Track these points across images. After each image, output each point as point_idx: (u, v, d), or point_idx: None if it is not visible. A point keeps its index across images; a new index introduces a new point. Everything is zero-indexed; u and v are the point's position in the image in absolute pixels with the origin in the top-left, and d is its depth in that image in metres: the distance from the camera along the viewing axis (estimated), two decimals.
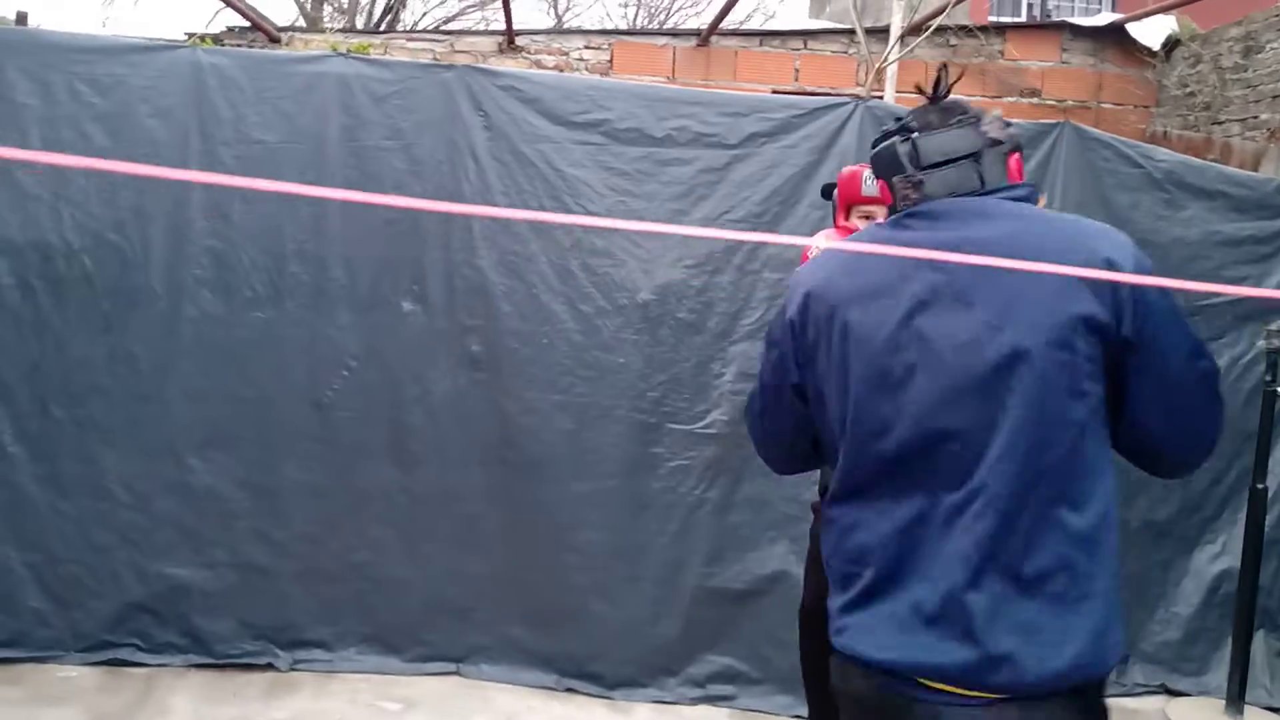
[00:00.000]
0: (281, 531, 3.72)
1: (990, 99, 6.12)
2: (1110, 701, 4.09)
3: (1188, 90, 5.62)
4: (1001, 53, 6.09)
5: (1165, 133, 5.12)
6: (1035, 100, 6.12)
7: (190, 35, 4.28)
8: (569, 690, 3.71)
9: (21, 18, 4.15)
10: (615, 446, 3.75)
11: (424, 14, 13.73)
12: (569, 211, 3.71)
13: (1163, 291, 1.59)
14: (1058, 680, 1.51)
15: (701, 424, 3.76)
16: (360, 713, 3.48)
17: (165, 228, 3.66)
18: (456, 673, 3.81)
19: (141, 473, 3.66)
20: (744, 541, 3.79)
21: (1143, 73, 6.06)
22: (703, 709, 3.73)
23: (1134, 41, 6.07)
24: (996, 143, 1.71)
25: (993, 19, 8.86)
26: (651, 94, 3.90)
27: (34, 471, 3.62)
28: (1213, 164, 4.29)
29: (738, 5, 5.25)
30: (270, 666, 3.71)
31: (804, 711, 3.68)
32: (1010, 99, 6.11)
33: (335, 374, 3.71)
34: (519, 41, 5.26)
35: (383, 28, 11.68)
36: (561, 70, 5.29)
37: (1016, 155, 1.75)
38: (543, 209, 3.72)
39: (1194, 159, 4.22)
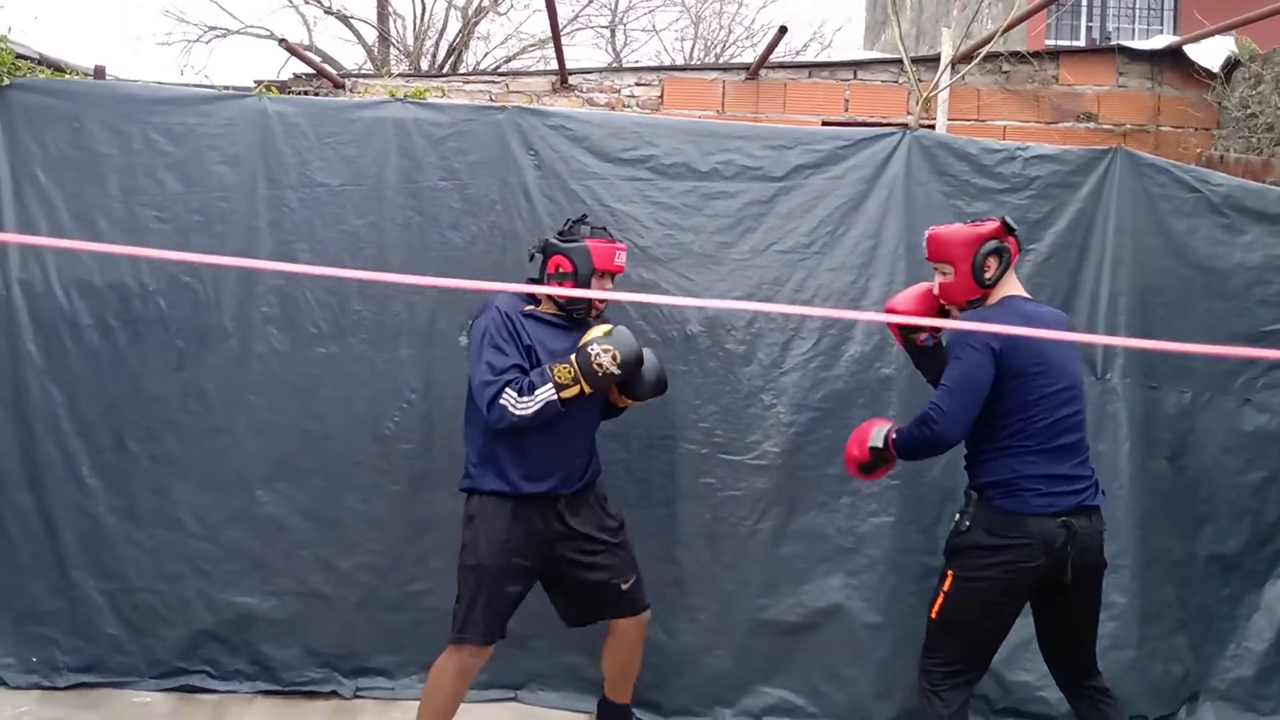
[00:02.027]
0: (345, 561, 3.84)
1: (1045, 125, 6.10)
2: None
3: (1249, 112, 5.55)
4: (1056, 78, 6.07)
5: (1222, 156, 5.06)
6: (1092, 125, 6.07)
7: (259, 83, 4.46)
8: None
9: (99, 71, 4.36)
10: (666, 476, 3.81)
11: (485, 54, 14.02)
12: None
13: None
14: None
15: (753, 455, 3.80)
16: None
17: (235, 269, 3.82)
18: (515, 699, 3.88)
19: (211, 504, 3.81)
20: (798, 574, 3.81)
21: (1202, 95, 5.99)
22: None
23: (1192, 63, 6.00)
24: None
25: (1050, 43, 8.81)
26: (697, 129, 3.98)
27: (110, 503, 3.79)
28: (1273, 187, 4.22)
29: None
30: (334, 694, 3.82)
31: None
32: (1066, 124, 6.08)
33: (395, 406, 3.83)
34: (571, 80, 5.39)
35: (445, 70, 11.96)
36: (613, 107, 5.40)
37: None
38: None
39: (1252, 182, 4.17)
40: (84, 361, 3.79)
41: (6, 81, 3.82)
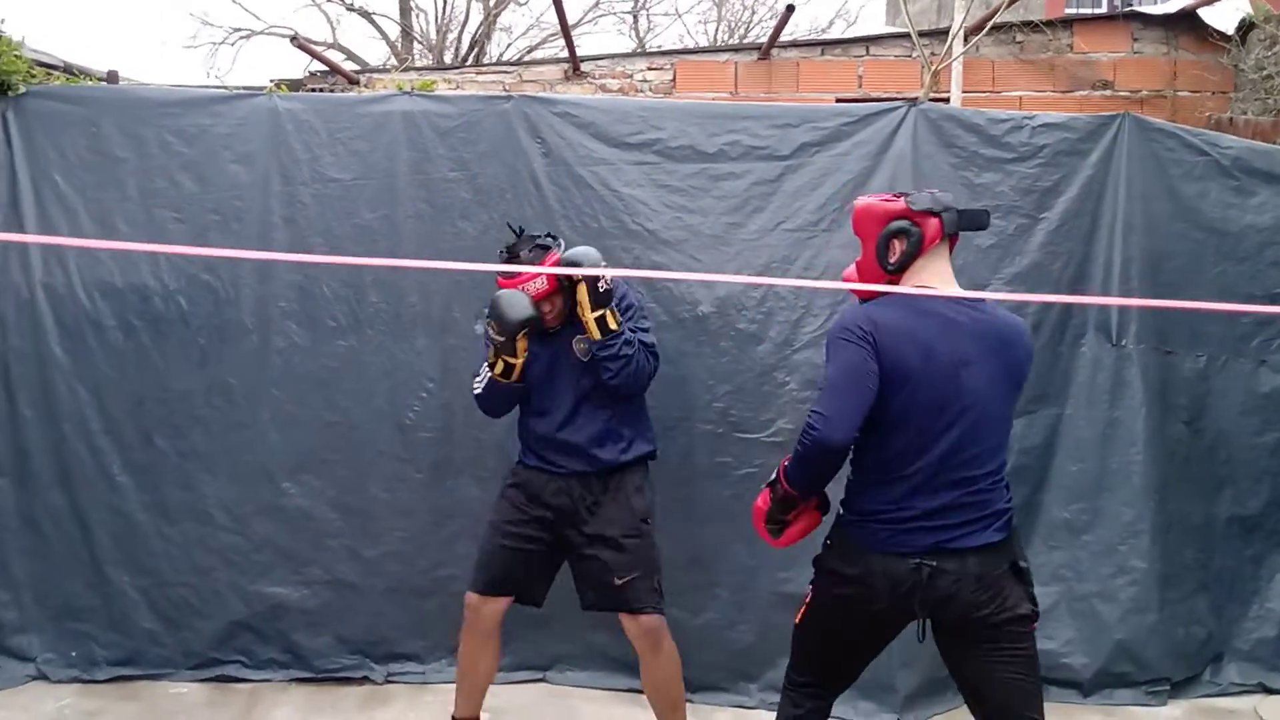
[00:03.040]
0: (372, 549, 3.91)
1: (1061, 94, 6.06)
2: (1205, 701, 4.03)
3: (1265, 74, 5.49)
4: (1070, 46, 6.03)
5: (1231, 119, 5.01)
6: (1108, 93, 6.03)
7: (274, 82, 4.53)
8: None
9: (112, 76, 4.44)
10: (683, 457, 3.85)
11: (508, 45, 14.06)
12: (628, 229, 3.83)
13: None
14: None
15: (768, 433, 3.82)
16: None
17: (252, 266, 3.89)
18: (543, 680, 3.95)
19: (240, 497, 3.89)
20: (818, 548, 3.82)
21: (1218, 58, 5.92)
22: None
23: (1207, 27, 5.94)
24: None
25: (1069, 11, 8.72)
26: (703, 111, 4.00)
27: (141, 499, 3.88)
28: None
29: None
30: (366, 679, 3.90)
31: (886, 717, 3.71)
32: (1082, 93, 6.04)
33: (415, 396, 3.89)
34: (584, 68, 5.41)
35: (469, 63, 12.01)
36: (626, 93, 5.43)
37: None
38: (601, 229, 3.84)
39: (1261, 144, 4.15)
40: (109, 361, 3.88)
41: (22, 89, 3.90)
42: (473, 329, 3.87)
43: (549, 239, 3.34)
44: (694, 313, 3.85)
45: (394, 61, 12.76)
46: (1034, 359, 3.77)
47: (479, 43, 13.57)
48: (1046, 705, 3.74)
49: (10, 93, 3.89)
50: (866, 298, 2.60)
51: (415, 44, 13.87)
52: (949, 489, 2.47)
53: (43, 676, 3.85)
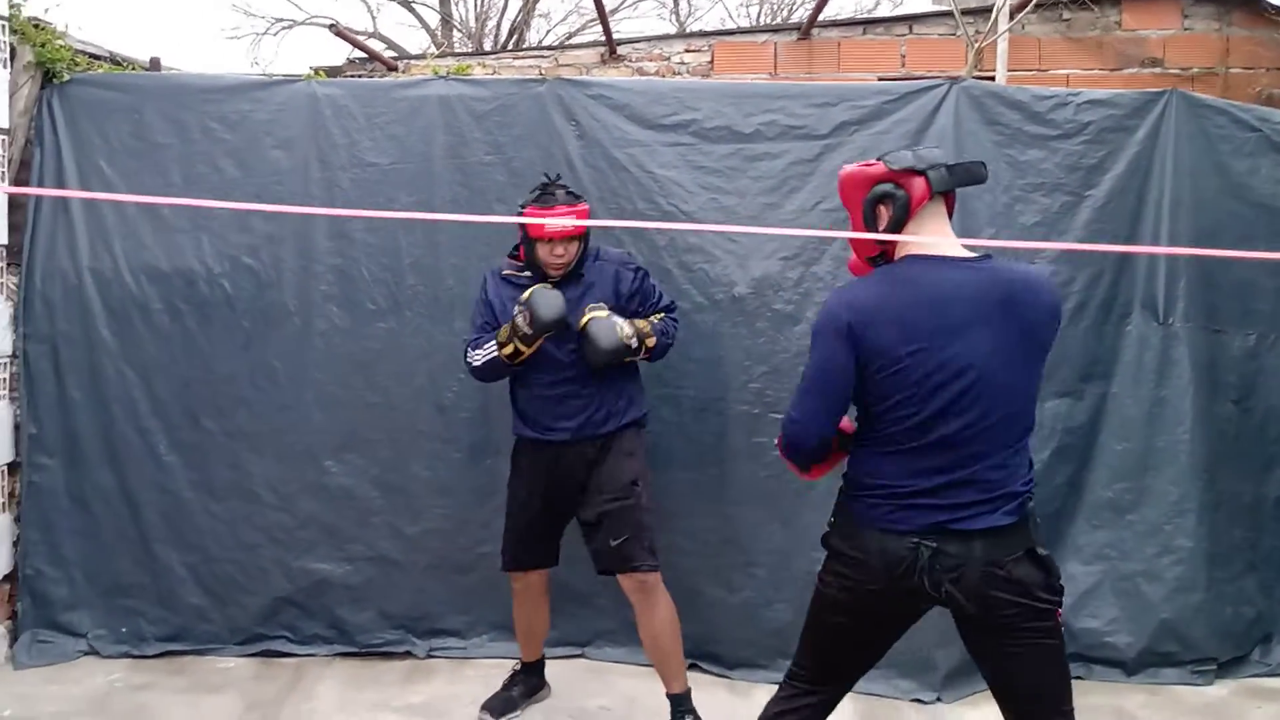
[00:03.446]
0: (413, 527, 3.96)
1: (1109, 72, 5.94)
2: (1253, 681, 3.97)
3: None
4: (1118, 23, 5.90)
5: None
6: (1157, 70, 5.90)
7: (314, 69, 4.58)
8: (691, 668, 3.81)
9: (155, 63, 4.51)
10: (718, 437, 3.85)
11: (547, 31, 14.08)
12: (663, 211, 3.82)
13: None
14: None
15: None
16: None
17: (294, 250, 3.95)
18: (582, 655, 3.98)
19: (284, 476, 3.96)
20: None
21: (1273, 34, 5.78)
22: None
23: (1261, 1, 5.79)
24: None
25: None
26: (738, 91, 3.98)
27: (188, 478, 3.95)
28: None
29: None
30: (408, 654, 3.96)
31: (925, 695, 3.70)
32: (1130, 70, 5.92)
33: (453, 377, 3.92)
34: (620, 51, 5.41)
35: (509, 48, 12.05)
36: (664, 75, 5.41)
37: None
38: (636, 211, 3.84)
39: None
40: (156, 344, 3.96)
41: (66, 77, 3.97)
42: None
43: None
44: (729, 294, 3.84)
45: (433, 50, 12.85)
46: (1077, 332, 3.82)
47: (518, 29, 13.61)
48: (1091, 685, 3.79)
49: (55, 80, 3.97)
50: (863, 272, 2.48)
51: (455, 32, 13.94)
52: (953, 467, 2.27)
53: (93, 652, 3.94)
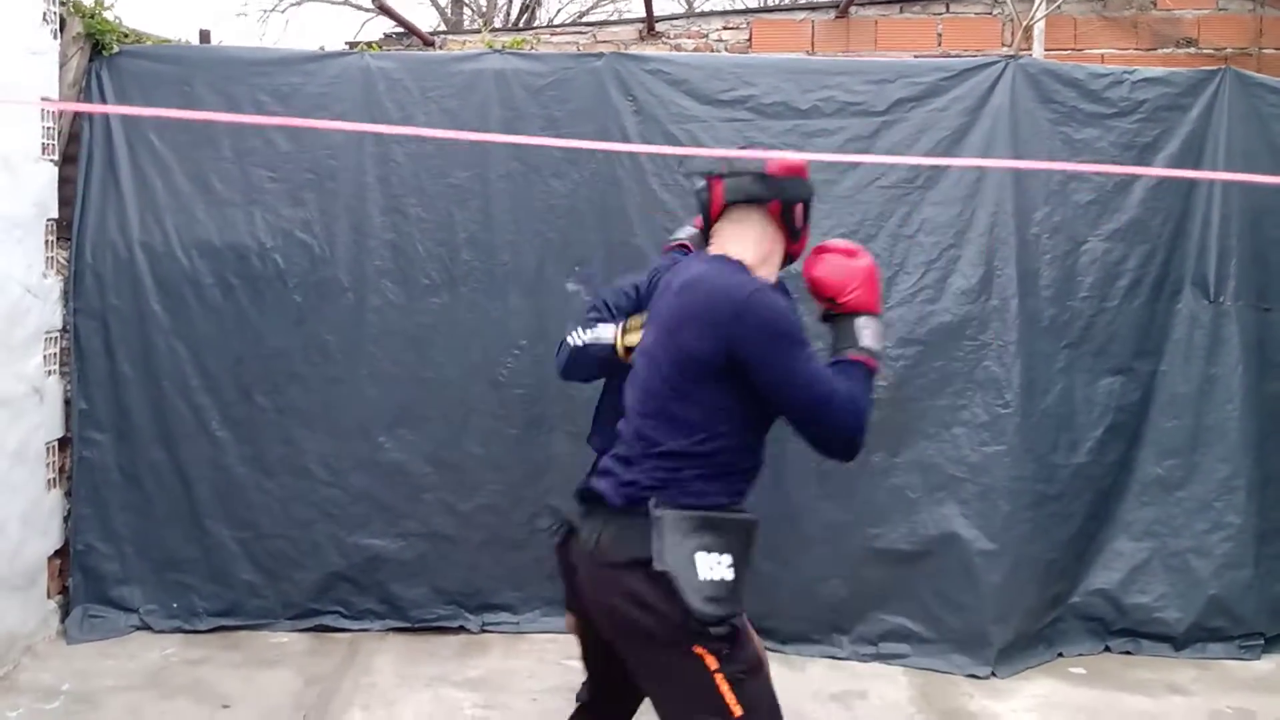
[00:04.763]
0: (466, 503, 3.96)
1: (1144, 52, 5.94)
2: None
3: None
4: (1154, 3, 5.90)
5: None
6: (1192, 50, 5.89)
7: (352, 45, 4.54)
8: None
9: (205, 35, 4.47)
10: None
11: (559, 10, 13.99)
12: None
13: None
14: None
15: None
16: (548, 670, 3.68)
17: (348, 225, 3.93)
18: None
19: (337, 452, 3.95)
20: (910, 503, 3.85)
21: None
22: (876, 666, 3.81)
23: None
24: None
25: None
26: (796, 67, 3.98)
27: (240, 454, 3.95)
28: None
29: None
30: (463, 629, 3.97)
31: (980, 671, 3.72)
32: (1165, 50, 5.91)
33: (508, 353, 3.92)
34: (658, 28, 5.38)
35: (520, 25, 11.98)
36: (701, 52, 5.39)
37: None
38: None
39: None
40: (207, 319, 3.94)
41: (116, 49, 3.94)
42: (564, 286, 3.88)
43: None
44: (787, 270, 3.82)
45: (444, 27, 12.76)
46: (1129, 310, 3.81)
47: (529, 7, 13.52)
48: (1140, 659, 3.83)
49: (105, 52, 3.94)
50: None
51: (465, 9, 13.85)
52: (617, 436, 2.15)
53: (145, 627, 3.94)
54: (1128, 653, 3.93)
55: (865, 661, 3.82)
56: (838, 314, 2.14)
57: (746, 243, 2.13)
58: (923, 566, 3.82)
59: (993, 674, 3.72)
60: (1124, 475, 3.92)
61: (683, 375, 2.02)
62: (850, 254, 2.15)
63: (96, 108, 3.89)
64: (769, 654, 3.83)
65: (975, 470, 3.79)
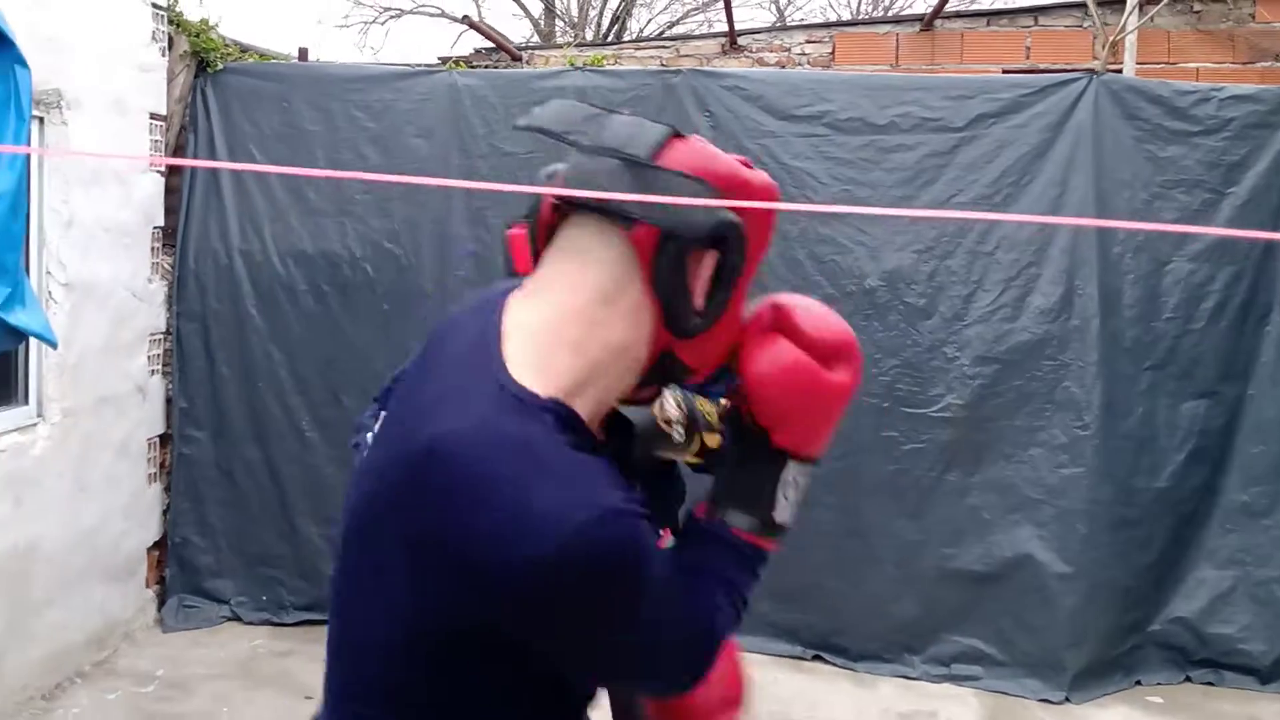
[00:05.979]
0: None
1: (1241, 66, 5.78)
2: None
3: None
4: (1252, 16, 5.74)
5: None
6: None
7: (443, 60, 4.69)
8: (815, 659, 3.85)
9: (303, 53, 4.66)
10: (846, 430, 3.84)
11: (649, 20, 14.12)
12: (795, 202, 3.85)
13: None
14: None
15: (936, 407, 3.82)
16: None
17: (432, 235, 4.06)
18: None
19: None
20: (985, 524, 3.82)
21: None
22: (947, 687, 3.79)
23: None
24: None
25: None
26: (873, 83, 3.98)
27: (328, 454, 4.10)
28: None
29: None
30: None
31: (1054, 696, 3.68)
32: (1264, 64, 5.75)
33: None
34: (741, 41, 5.42)
35: (610, 38, 12.12)
36: (784, 66, 5.42)
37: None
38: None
39: None
40: (301, 324, 4.11)
41: (220, 66, 4.14)
42: None
43: None
44: (861, 285, 3.85)
45: (537, 40, 12.98)
46: (1215, 333, 3.73)
47: (620, 19, 13.66)
48: (1223, 691, 3.75)
49: (209, 69, 4.14)
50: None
51: (558, 21, 14.05)
52: None
53: (235, 618, 4.12)
54: (1209, 684, 3.84)
55: (937, 682, 3.80)
56: (756, 439, 1.15)
57: (560, 318, 1.03)
58: (997, 588, 3.79)
59: (1067, 699, 3.68)
60: (1207, 501, 3.82)
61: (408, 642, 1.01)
62: (825, 354, 1.13)
63: (196, 163, 4.09)
64: (836, 671, 3.86)
65: (1053, 492, 3.75)
